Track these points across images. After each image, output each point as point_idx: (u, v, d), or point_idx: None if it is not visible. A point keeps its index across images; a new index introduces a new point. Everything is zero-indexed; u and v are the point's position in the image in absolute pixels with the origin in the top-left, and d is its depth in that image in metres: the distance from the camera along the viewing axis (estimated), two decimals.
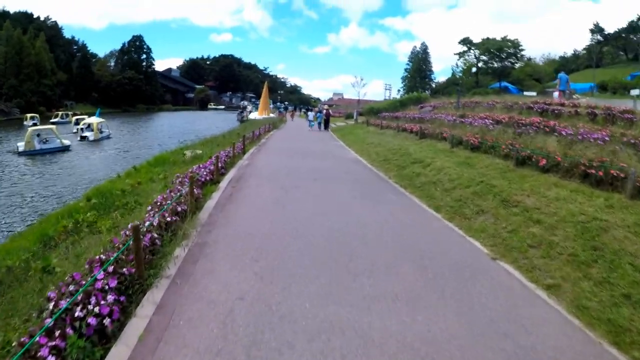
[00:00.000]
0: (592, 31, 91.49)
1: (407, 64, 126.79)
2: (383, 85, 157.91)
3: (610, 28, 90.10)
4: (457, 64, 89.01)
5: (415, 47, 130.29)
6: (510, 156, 13.32)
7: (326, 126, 41.95)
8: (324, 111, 45.78)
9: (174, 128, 71.06)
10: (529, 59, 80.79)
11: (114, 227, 9.34)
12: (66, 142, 40.98)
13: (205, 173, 13.96)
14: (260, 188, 13.84)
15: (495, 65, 77.04)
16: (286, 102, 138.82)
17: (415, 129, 24.39)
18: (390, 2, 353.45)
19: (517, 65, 76.50)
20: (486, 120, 20.11)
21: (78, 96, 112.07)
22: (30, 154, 36.68)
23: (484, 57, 78.84)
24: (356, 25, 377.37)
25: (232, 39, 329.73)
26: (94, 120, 52.22)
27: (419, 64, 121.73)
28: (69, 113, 73.54)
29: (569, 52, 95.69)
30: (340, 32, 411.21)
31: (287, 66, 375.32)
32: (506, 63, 76.32)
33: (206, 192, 12.35)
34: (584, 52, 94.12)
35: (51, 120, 64.36)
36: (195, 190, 10.32)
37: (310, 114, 48.36)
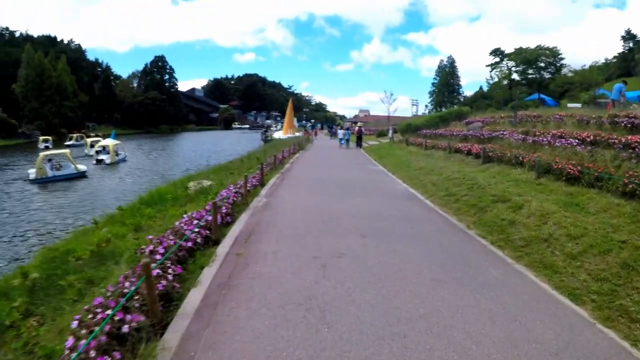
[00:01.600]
0: (624, 38, 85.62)
1: (434, 79, 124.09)
2: (409, 101, 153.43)
3: None
4: (491, 76, 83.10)
5: (442, 60, 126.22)
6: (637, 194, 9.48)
7: (359, 144, 41.00)
8: (357, 129, 44.99)
9: (195, 149, 66.49)
10: (564, 68, 74.52)
11: None
12: (82, 167, 37.22)
13: (200, 225, 8.91)
14: (280, 260, 8.01)
15: (532, 76, 71.26)
16: (312, 120, 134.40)
17: (475, 150, 19.69)
18: (412, 16, 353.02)
19: (556, 76, 70.50)
20: (566, 139, 15.72)
21: (100, 117, 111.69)
22: (42, 182, 33.13)
23: (517, 68, 73.37)
24: (379, 41, 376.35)
25: (255, 59, 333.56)
26: (110, 142, 49.06)
27: (446, 77, 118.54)
28: (83, 135, 70.18)
29: (600, 61, 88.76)
30: (363, 48, 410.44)
31: (311, 84, 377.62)
32: (544, 73, 70.60)
33: (192, 269, 7.38)
34: (614, 60, 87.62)
35: (66, 143, 61.98)
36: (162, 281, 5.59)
37: (340, 132, 46.98)
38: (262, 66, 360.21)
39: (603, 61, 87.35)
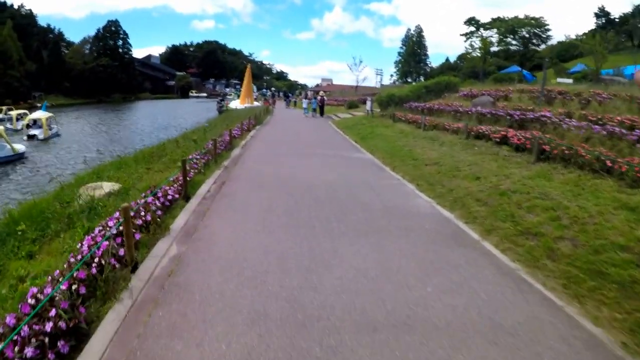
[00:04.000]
0: (597, 15, 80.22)
1: (401, 48, 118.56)
2: (372, 71, 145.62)
3: (614, 12, 79.20)
4: (471, 45, 76.32)
5: (409, 29, 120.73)
6: None
7: (321, 113, 39.12)
8: (319, 98, 41.62)
9: (141, 122, 58.84)
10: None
11: None
12: (19, 147, 29.03)
13: None
14: None
15: (515, 47, 65.05)
16: (273, 89, 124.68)
17: (517, 140, 12.85)
18: None
19: (541, 47, 64.17)
20: None
21: (49, 87, 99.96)
22: None
23: (498, 38, 67.34)
24: (340, 10, 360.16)
25: (215, 26, 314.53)
26: (42, 115, 41.07)
27: (413, 47, 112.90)
28: (12, 108, 57.62)
29: (571, 37, 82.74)
30: (324, 17, 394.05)
31: (272, 53, 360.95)
32: (528, 44, 64.38)
33: None
34: (583, 36, 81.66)
35: None
36: None
37: (305, 101, 44.18)
38: (222, 34, 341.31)
39: (573, 38, 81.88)
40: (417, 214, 8.97)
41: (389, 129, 22.67)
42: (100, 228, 6.81)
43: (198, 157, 12.71)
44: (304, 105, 43.37)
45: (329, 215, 8.55)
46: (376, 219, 8.48)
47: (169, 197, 9.07)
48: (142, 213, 7.60)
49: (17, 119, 45.14)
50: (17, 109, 52.55)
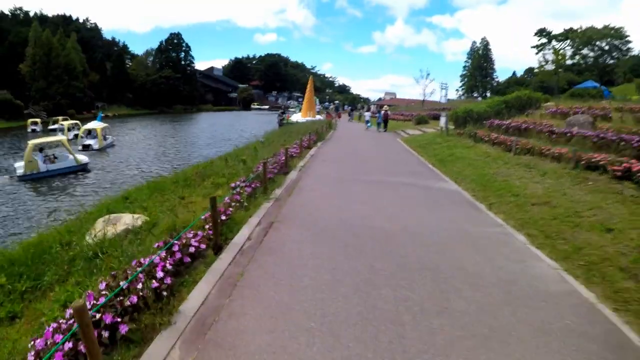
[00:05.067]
0: None
1: (466, 62, 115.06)
2: (437, 85, 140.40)
3: None
4: (544, 58, 71.27)
5: (474, 42, 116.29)
6: None
7: (385, 127, 37.79)
8: (383, 112, 39.78)
9: (199, 134, 57.99)
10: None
11: None
12: (82, 158, 28.87)
13: None
14: None
15: (592, 60, 59.69)
16: (336, 102, 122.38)
17: None
18: None
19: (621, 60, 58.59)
20: None
21: (112, 97, 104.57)
22: (32, 178, 25.40)
23: (567, 51, 62.22)
24: (402, 23, 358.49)
25: (277, 39, 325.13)
26: (97, 125, 41.19)
27: (479, 61, 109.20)
28: (63, 118, 59.51)
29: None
30: (386, 30, 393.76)
31: (334, 66, 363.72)
32: (606, 57, 58.99)
33: None
34: None
35: (50, 127, 53.30)
36: None
37: (367, 114, 44.37)
38: (284, 47, 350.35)
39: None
40: (546, 294, 5.81)
41: (471, 151, 19.00)
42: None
43: (243, 184, 10.12)
44: (367, 119, 42.36)
45: (423, 300, 5.50)
46: (495, 308, 5.35)
47: (191, 250, 6.45)
48: (140, 285, 5.01)
49: (69, 129, 46.10)
50: (79, 119, 53.91)
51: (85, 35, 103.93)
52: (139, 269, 5.32)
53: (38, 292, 6.14)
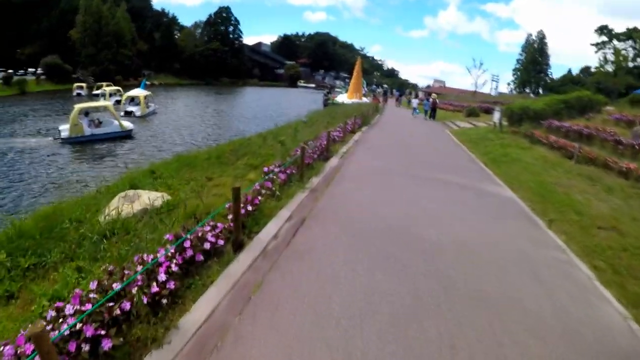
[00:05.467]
0: None
1: (520, 54, 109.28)
2: (488, 77, 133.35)
3: None
4: (604, 58, 67.49)
5: (529, 35, 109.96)
6: None
7: (432, 116, 36.40)
8: (431, 100, 38.79)
9: (244, 108, 57.81)
10: None
11: None
12: (127, 124, 29.00)
13: None
14: None
15: None
16: (385, 86, 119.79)
17: None
18: None
19: None
20: None
21: (159, 66, 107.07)
22: (76, 141, 25.48)
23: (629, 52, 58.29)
24: (455, 9, 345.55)
25: (327, 18, 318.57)
26: (140, 92, 41.52)
27: (534, 55, 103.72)
28: (107, 84, 60.10)
29: None
30: (438, 15, 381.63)
31: (383, 48, 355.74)
32: None
33: None
34: None
35: (94, 92, 54.37)
36: None
37: (415, 101, 43.36)
38: (333, 26, 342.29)
39: None
40: (616, 355, 4.64)
41: (526, 154, 17.39)
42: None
43: (278, 169, 9.12)
44: (414, 106, 41.13)
45: (472, 345, 4.40)
46: None
47: (206, 246, 5.52)
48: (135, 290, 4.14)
49: (111, 95, 46.73)
50: (125, 85, 54.90)
51: (135, 5, 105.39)
52: (138, 270, 4.44)
53: (41, 269, 5.53)
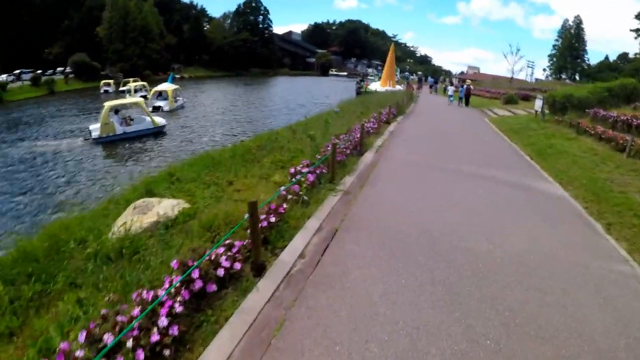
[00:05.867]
0: None
1: (556, 40, 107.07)
2: (523, 63, 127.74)
3: None
4: None
5: (566, 20, 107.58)
6: None
7: (466, 103, 36.43)
8: (465, 87, 38.67)
9: (273, 99, 57.23)
10: None
11: None
12: (160, 120, 28.52)
13: None
14: None
15: None
16: (419, 73, 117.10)
17: None
18: None
19: None
20: None
21: (189, 59, 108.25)
22: (107, 140, 25.07)
23: None
24: None
25: (358, 5, 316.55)
26: (168, 87, 41.52)
27: (570, 41, 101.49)
28: (133, 80, 60.77)
29: None
30: (471, 1, 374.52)
31: (416, 35, 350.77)
32: None
33: None
34: None
35: (121, 89, 55.25)
36: None
37: (450, 89, 42.42)
38: (365, 14, 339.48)
39: None
40: None
41: (573, 145, 15.97)
42: None
43: (307, 169, 8.23)
44: (450, 93, 40.34)
45: None
46: None
47: (219, 273, 4.69)
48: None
49: (136, 91, 46.91)
50: (155, 80, 55.73)
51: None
52: (134, 314, 3.65)
53: (46, 297, 4.96)
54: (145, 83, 51.32)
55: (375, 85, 51.33)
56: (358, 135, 12.22)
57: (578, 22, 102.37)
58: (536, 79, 72.96)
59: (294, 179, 7.72)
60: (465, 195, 9.28)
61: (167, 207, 7.10)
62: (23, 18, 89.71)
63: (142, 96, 42.08)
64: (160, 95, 40.47)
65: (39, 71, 70.19)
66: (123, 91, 51.32)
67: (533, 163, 13.63)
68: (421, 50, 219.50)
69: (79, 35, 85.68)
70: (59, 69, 77.77)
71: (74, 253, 5.83)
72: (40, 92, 60.85)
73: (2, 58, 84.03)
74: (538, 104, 23.89)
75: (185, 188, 8.78)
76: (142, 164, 20.36)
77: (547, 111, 23.13)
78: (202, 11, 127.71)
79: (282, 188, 7.12)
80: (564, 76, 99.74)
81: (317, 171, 8.54)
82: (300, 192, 7.33)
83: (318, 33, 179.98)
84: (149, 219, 6.68)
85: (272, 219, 6.07)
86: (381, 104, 23.18)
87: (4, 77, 65.40)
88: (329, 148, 9.65)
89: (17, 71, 71.64)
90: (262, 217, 5.89)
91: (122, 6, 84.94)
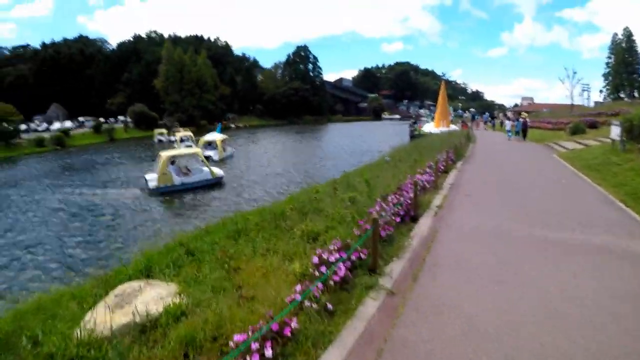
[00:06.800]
0: None
1: (608, 58, 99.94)
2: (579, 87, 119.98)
3: None
4: None
5: (615, 35, 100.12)
6: None
7: (524, 136, 34.98)
8: (521, 120, 37.14)
9: (322, 146, 56.21)
10: None
11: None
12: (218, 172, 27.56)
13: None
14: None
15: None
16: (472, 109, 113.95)
17: None
18: None
19: None
20: None
21: (242, 109, 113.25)
22: (166, 191, 24.50)
23: None
24: (531, 21, 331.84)
25: (404, 47, 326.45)
26: (217, 136, 41.71)
27: (623, 55, 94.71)
28: (184, 129, 63.14)
29: None
30: (514, 30, 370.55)
31: (465, 71, 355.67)
32: None
33: None
34: None
35: (158, 138, 60.57)
36: None
37: (508, 123, 41.29)
38: (412, 55, 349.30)
39: None
40: None
41: None
42: None
43: (335, 255, 5.72)
44: (508, 128, 38.69)
45: None
46: None
47: None
48: None
49: (182, 140, 48.35)
50: (210, 129, 56.75)
51: (216, 53, 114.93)
52: None
53: None
54: (191, 133, 52.39)
55: (429, 127, 48.55)
56: (410, 195, 9.57)
57: (628, 35, 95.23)
58: (595, 102, 68.33)
59: (317, 272, 5.34)
60: (563, 286, 6.05)
61: (153, 298, 5.56)
62: (89, 71, 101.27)
63: (187, 146, 42.33)
64: (210, 144, 40.39)
65: (101, 119, 75.32)
66: (173, 141, 52.37)
67: (634, 214, 10.12)
68: (472, 86, 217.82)
69: (139, 87, 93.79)
70: (120, 117, 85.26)
71: (24, 355, 4.58)
72: (100, 138, 65.65)
73: (69, 107, 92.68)
74: (615, 131, 19.90)
75: (188, 269, 7.09)
76: (177, 221, 19.17)
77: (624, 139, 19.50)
78: (254, 62, 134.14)
79: (298, 290, 4.76)
80: (622, 94, 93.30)
81: (354, 255, 6.07)
82: (322, 298, 4.89)
83: (368, 78, 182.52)
84: (123, 317, 5.18)
85: (268, 353, 3.72)
86: (437, 148, 20.48)
87: (68, 123, 70.35)
88: (373, 213, 7.24)
89: (81, 118, 77.89)
90: (255, 345, 3.63)
91: (178, 60, 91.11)
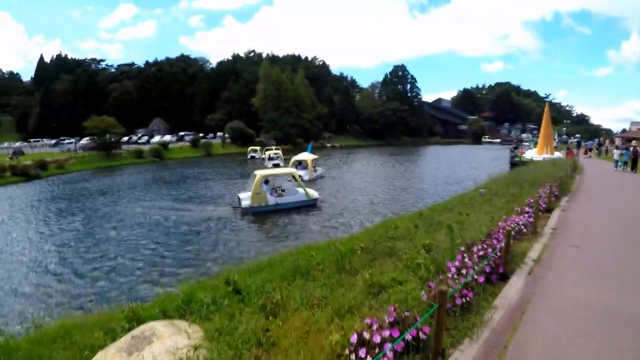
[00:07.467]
0: None
1: None
2: None
3: None
4: None
5: None
6: None
7: (633, 167, 32.42)
8: (632, 148, 33.94)
9: (417, 171, 52.65)
10: None
11: None
12: (313, 193, 26.61)
13: None
14: None
15: None
16: (578, 135, 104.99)
17: None
18: None
19: None
20: None
21: (339, 128, 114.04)
22: (258, 211, 23.83)
23: None
24: (638, 37, 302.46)
25: (504, 67, 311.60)
26: (308, 156, 41.28)
27: None
28: (276, 147, 64.85)
29: None
30: (621, 47, 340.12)
31: (569, 93, 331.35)
32: None
33: None
34: None
35: (251, 155, 63.01)
36: None
37: (616, 152, 37.33)
38: (512, 75, 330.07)
39: None
40: None
41: None
42: None
43: (379, 339, 4.19)
44: (616, 157, 35.27)
45: None
46: None
47: None
48: None
49: (270, 158, 49.75)
50: (305, 149, 56.85)
51: (314, 72, 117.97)
52: None
53: None
54: (279, 152, 53.16)
55: (532, 153, 45.12)
56: (502, 245, 7.66)
57: None
58: None
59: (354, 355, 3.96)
60: None
61: (167, 349, 5.01)
62: (191, 89, 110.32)
63: (274, 164, 42.07)
64: (300, 164, 39.86)
65: (200, 134, 78.06)
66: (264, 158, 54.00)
67: None
68: (576, 109, 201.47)
69: (238, 105, 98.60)
70: (219, 133, 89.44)
71: None
72: (197, 153, 68.60)
73: (172, 122, 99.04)
74: None
75: (226, 311, 6.47)
76: (263, 244, 18.19)
77: None
78: (352, 82, 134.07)
79: None
80: None
81: (423, 335, 4.55)
82: None
83: (467, 98, 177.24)
84: None
85: None
86: (539, 180, 18.06)
87: (167, 137, 74.72)
88: (451, 269, 5.76)
89: (182, 133, 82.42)
90: None
91: (275, 79, 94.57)
